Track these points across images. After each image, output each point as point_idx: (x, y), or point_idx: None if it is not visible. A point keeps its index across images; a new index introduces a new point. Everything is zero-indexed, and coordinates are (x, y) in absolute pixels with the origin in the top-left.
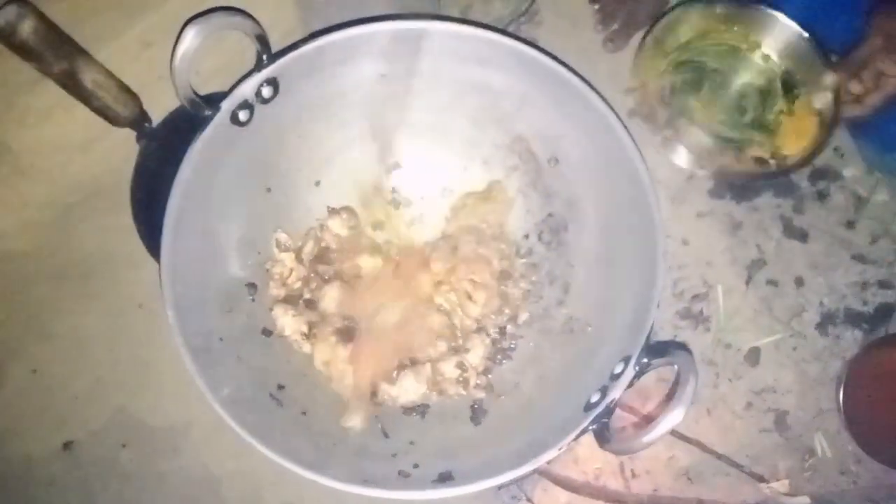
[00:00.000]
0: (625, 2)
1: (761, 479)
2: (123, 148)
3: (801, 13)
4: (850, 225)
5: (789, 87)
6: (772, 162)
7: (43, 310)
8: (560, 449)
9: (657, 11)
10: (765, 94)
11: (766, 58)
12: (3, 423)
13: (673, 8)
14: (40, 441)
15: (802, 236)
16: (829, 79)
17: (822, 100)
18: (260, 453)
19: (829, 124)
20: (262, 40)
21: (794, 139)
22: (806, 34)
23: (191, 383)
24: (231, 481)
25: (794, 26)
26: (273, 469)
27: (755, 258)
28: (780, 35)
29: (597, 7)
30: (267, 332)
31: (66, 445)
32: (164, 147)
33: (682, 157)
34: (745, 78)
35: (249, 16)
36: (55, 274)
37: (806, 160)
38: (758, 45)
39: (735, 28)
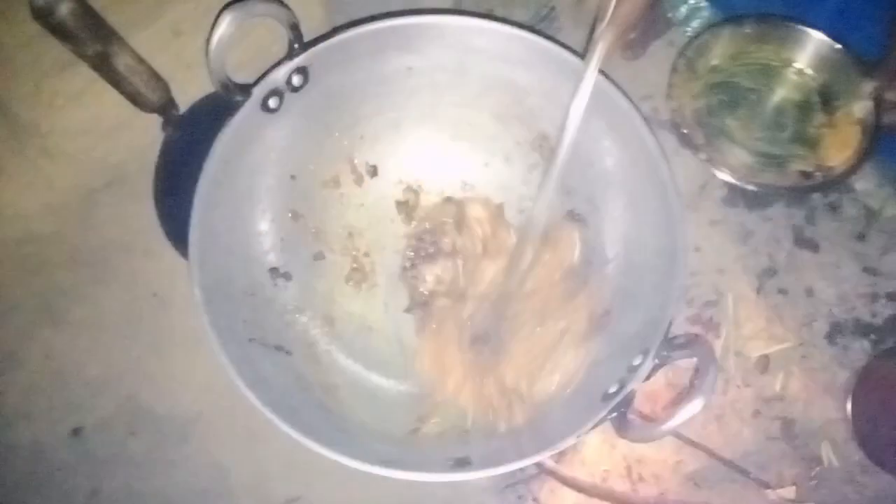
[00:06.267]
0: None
1: (767, 486)
2: (148, 135)
3: (829, 24)
4: (861, 237)
5: (828, 99)
6: (817, 175)
7: (59, 295)
8: (578, 436)
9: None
10: (803, 108)
11: (801, 72)
12: (14, 407)
13: (701, 32)
14: (49, 426)
15: (814, 247)
16: (867, 87)
17: (863, 108)
18: (268, 443)
19: (871, 132)
20: (295, 29)
21: (838, 150)
22: (838, 45)
23: (201, 373)
24: (239, 472)
25: (825, 38)
26: (281, 460)
27: (766, 267)
28: (812, 48)
29: None
30: (290, 313)
31: (76, 432)
32: (189, 135)
33: (726, 174)
34: (781, 94)
35: (285, 5)
36: (73, 259)
37: (852, 169)
38: (791, 61)
39: (766, 46)
